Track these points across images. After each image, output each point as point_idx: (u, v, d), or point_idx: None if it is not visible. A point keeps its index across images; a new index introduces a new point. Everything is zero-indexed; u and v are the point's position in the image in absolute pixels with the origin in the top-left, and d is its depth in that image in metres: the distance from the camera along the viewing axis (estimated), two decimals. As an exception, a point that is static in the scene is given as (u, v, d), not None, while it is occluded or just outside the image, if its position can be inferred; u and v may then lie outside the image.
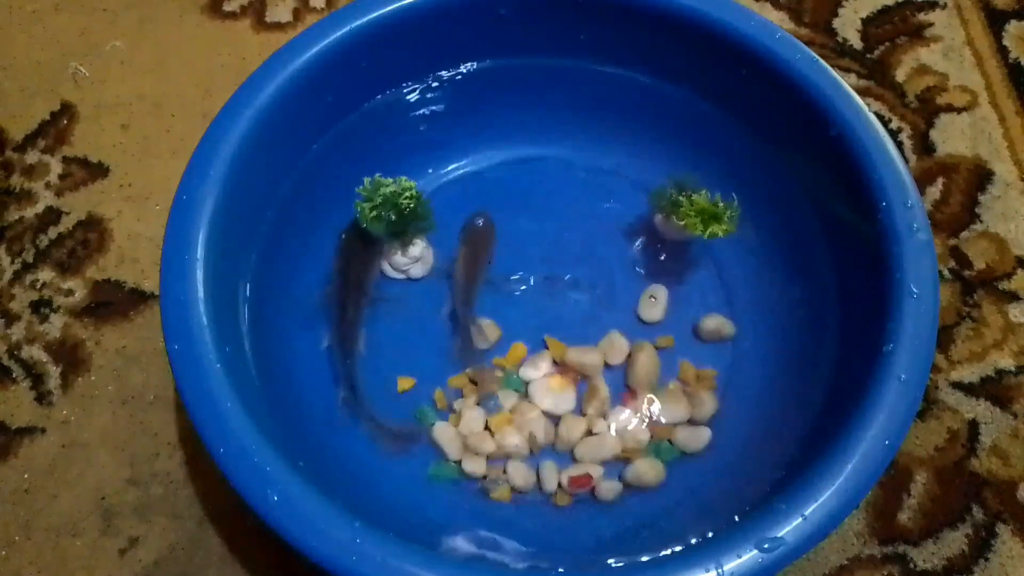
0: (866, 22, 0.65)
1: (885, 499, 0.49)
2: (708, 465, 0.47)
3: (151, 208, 0.58)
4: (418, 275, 0.52)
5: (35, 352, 0.53)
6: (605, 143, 0.55)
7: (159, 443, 0.50)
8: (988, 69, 0.63)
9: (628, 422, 0.48)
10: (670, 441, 0.47)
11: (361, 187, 0.48)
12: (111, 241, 0.56)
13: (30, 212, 0.57)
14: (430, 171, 0.55)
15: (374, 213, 0.48)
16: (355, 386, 0.47)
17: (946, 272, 0.55)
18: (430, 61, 0.52)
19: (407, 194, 0.48)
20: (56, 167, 0.59)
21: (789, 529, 0.35)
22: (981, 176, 0.59)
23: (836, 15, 0.66)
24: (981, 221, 0.57)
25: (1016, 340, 0.53)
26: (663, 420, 0.48)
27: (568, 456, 0.47)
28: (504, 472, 0.46)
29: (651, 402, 0.48)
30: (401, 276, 0.52)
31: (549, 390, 0.48)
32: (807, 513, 0.35)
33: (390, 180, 0.48)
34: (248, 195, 0.45)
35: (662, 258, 0.53)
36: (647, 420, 0.48)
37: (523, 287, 0.52)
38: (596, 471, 0.46)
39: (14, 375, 0.52)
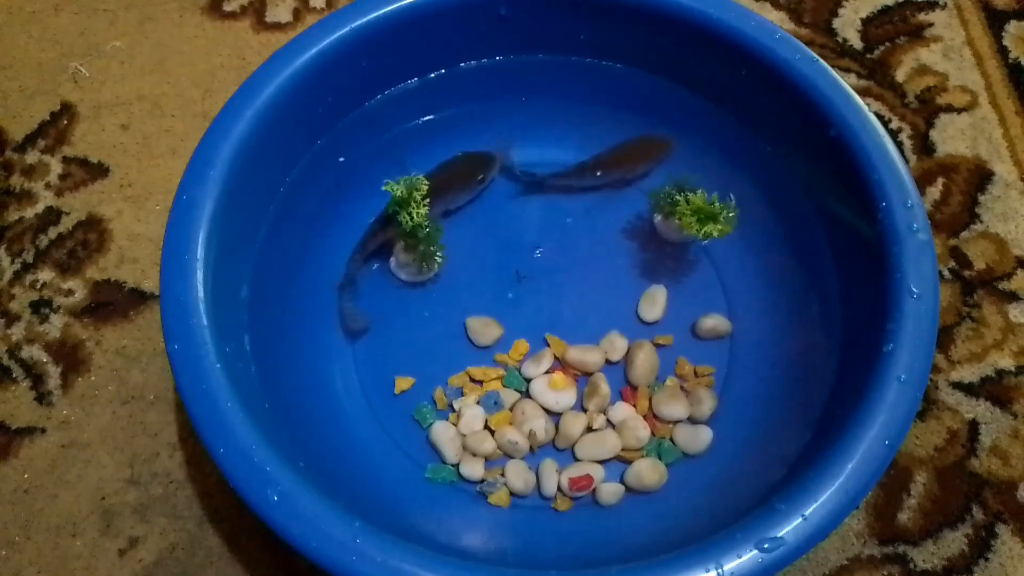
0: (866, 22, 0.65)
1: (885, 499, 0.49)
2: (709, 466, 0.47)
3: (151, 208, 0.58)
4: (421, 278, 0.52)
5: (35, 352, 0.53)
6: (605, 142, 0.55)
7: (159, 443, 0.50)
8: (988, 69, 0.63)
9: (628, 417, 0.48)
10: (672, 441, 0.48)
11: (404, 179, 0.48)
12: (111, 241, 0.56)
13: (30, 212, 0.57)
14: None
15: (400, 202, 0.48)
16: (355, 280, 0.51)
17: (946, 272, 0.55)
18: (430, 60, 0.52)
19: (424, 223, 0.48)
20: (56, 167, 0.59)
21: (789, 529, 0.35)
22: (981, 176, 0.59)
23: (836, 15, 0.66)
24: (981, 221, 0.57)
25: (1016, 340, 0.53)
26: (663, 414, 0.48)
27: (568, 456, 0.47)
28: (502, 475, 0.46)
29: (650, 398, 0.48)
30: (404, 277, 0.52)
31: (550, 387, 0.48)
32: (807, 513, 0.35)
33: (424, 201, 0.48)
34: (248, 195, 0.45)
35: (662, 258, 0.53)
36: (646, 415, 0.48)
37: (524, 287, 0.52)
38: (597, 472, 0.46)
39: (14, 375, 0.52)
